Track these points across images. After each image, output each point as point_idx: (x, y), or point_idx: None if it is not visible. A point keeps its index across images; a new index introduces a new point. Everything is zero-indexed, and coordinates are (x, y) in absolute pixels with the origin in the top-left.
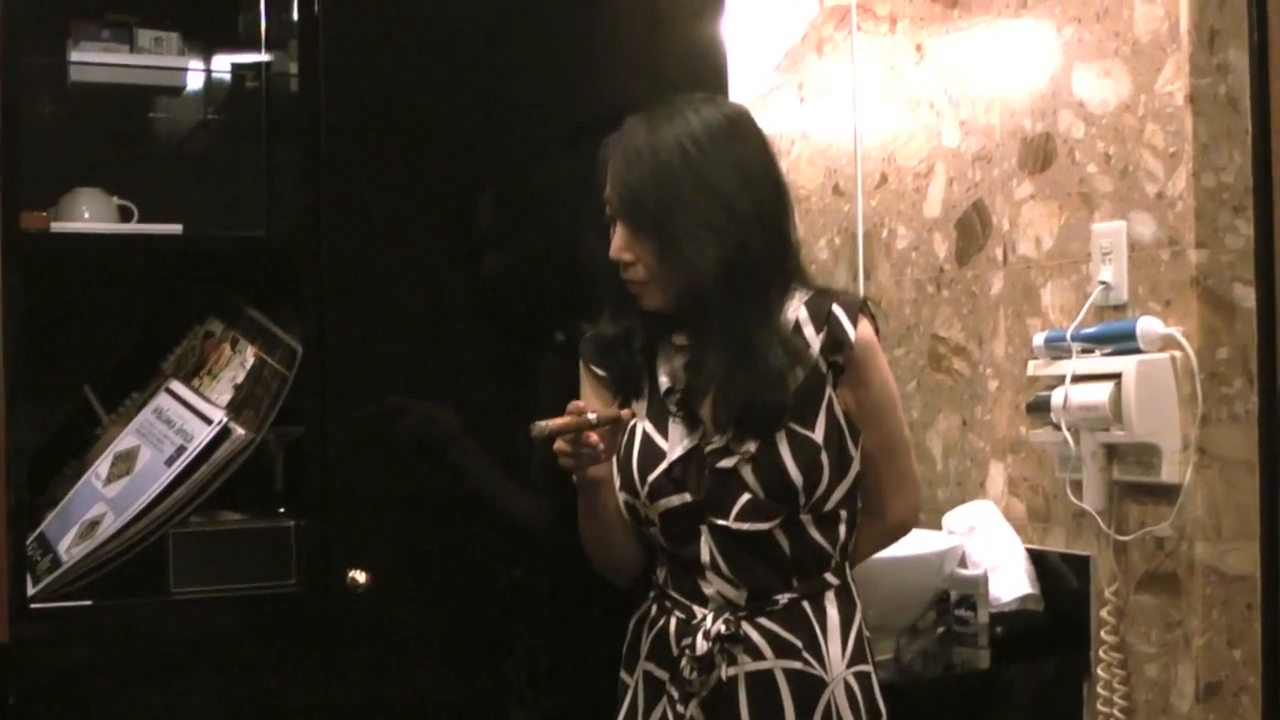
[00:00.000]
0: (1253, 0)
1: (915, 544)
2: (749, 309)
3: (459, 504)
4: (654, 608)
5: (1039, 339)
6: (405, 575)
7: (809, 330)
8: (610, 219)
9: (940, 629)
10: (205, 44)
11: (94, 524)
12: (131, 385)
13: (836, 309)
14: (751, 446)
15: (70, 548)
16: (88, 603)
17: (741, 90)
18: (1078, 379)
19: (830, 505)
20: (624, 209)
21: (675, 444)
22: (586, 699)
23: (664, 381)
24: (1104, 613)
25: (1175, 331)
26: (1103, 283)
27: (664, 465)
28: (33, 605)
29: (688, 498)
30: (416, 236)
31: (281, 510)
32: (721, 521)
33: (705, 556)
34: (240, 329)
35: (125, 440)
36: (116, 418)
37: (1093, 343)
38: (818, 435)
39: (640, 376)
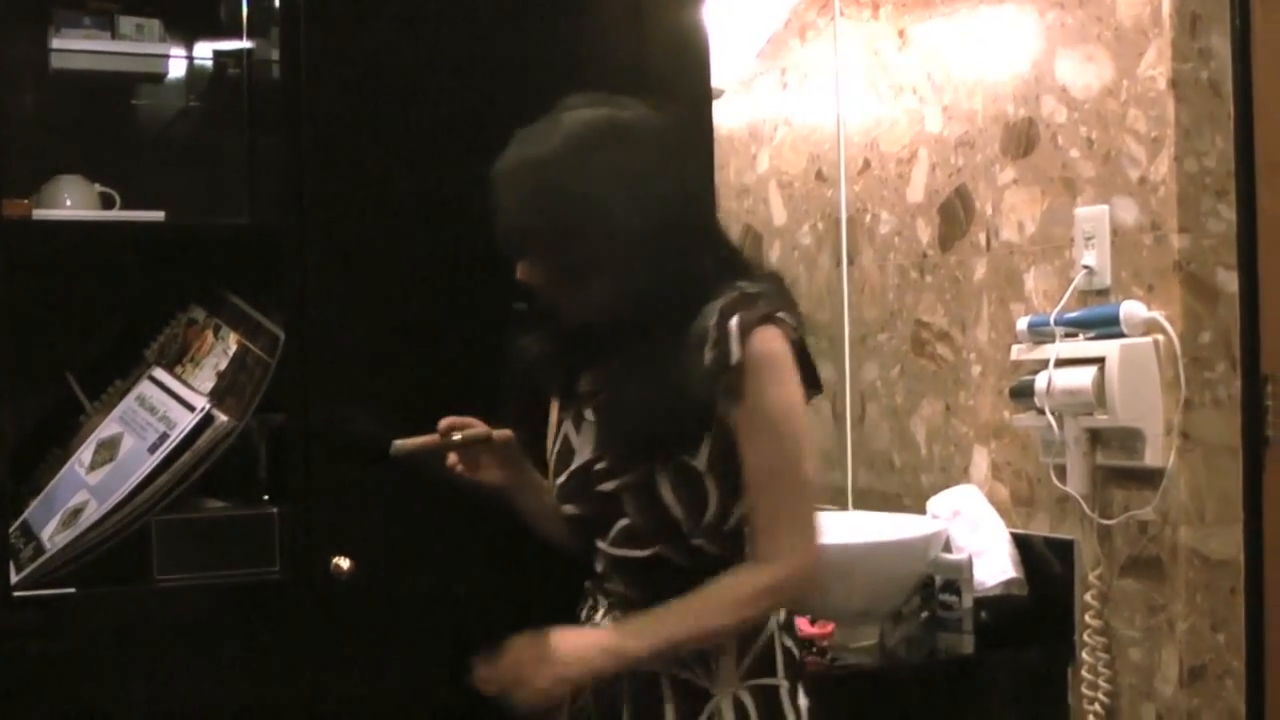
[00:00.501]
0: None
1: (899, 529)
2: (642, 338)
3: (443, 490)
4: (587, 586)
5: (1022, 324)
6: (389, 562)
7: (708, 346)
8: None
9: (924, 614)
10: (187, 31)
11: (77, 511)
12: (114, 373)
13: (732, 324)
14: (630, 477)
15: (53, 535)
16: (71, 590)
17: (724, 77)
18: (1061, 363)
19: (732, 523)
20: (504, 243)
21: (580, 453)
22: None
23: (584, 384)
24: (1088, 597)
25: (1158, 316)
26: (1085, 267)
27: (566, 474)
28: (16, 593)
29: (577, 511)
30: (399, 223)
31: (265, 497)
32: (600, 544)
33: (599, 566)
34: (223, 316)
35: (108, 428)
36: (99, 405)
37: (1076, 327)
38: (700, 462)
39: (560, 375)
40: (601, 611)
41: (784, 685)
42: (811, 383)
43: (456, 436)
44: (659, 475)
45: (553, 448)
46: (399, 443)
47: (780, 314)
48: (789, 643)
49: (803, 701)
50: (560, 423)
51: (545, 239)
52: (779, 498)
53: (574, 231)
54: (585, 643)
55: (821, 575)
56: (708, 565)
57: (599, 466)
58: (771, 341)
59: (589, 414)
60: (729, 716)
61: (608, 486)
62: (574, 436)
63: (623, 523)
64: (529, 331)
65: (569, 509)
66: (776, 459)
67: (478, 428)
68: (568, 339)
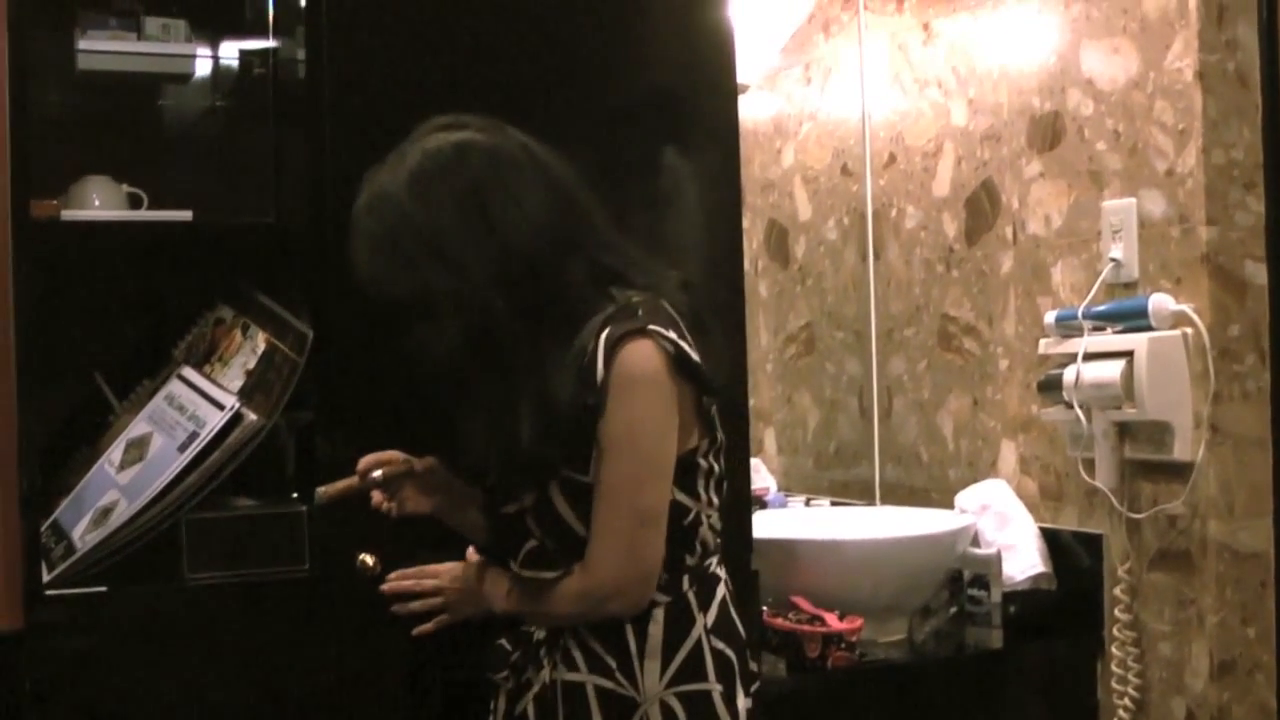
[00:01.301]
0: None
1: (927, 524)
2: (504, 372)
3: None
4: None
5: (1050, 317)
6: (416, 559)
7: (585, 361)
8: None
9: (953, 609)
10: (212, 31)
11: (107, 511)
12: (143, 372)
13: (601, 339)
14: (529, 498)
15: (84, 534)
16: (102, 589)
17: (749, 72)
18: (1089, 357)
19: None
20: (361, 284)
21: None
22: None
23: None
24: (1117, 591)
25: (1187, 308)
26: (1113, 260)
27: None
28: (47, 592)
29: (490, 535)
30: None
31: (294, 495)
32: (512, 565)
33: None
34: (251, 315)
35: (137, 427)
36: (128, 405)
37: (1104, 320)
38: (591, 477)
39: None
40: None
41: (717, 689)
42: (707, 389)
43: (377, 474)
44: (554, 494)
45: None
46: (321, 490)
47: (653, 326)
48: (720, 645)
49: (742, 703)
50: None
51: (393, 277)
52: (610, 512)
53: (422, 264)
54: (476, 584)
55: (636, 593)
56: None
57: (499, 491)
58: (637, 356)
59: None
60: None
61: (510, 509)
62: (421, 461)
63: (530, 544)
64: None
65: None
66: (615, 476)
67: (397, 463)
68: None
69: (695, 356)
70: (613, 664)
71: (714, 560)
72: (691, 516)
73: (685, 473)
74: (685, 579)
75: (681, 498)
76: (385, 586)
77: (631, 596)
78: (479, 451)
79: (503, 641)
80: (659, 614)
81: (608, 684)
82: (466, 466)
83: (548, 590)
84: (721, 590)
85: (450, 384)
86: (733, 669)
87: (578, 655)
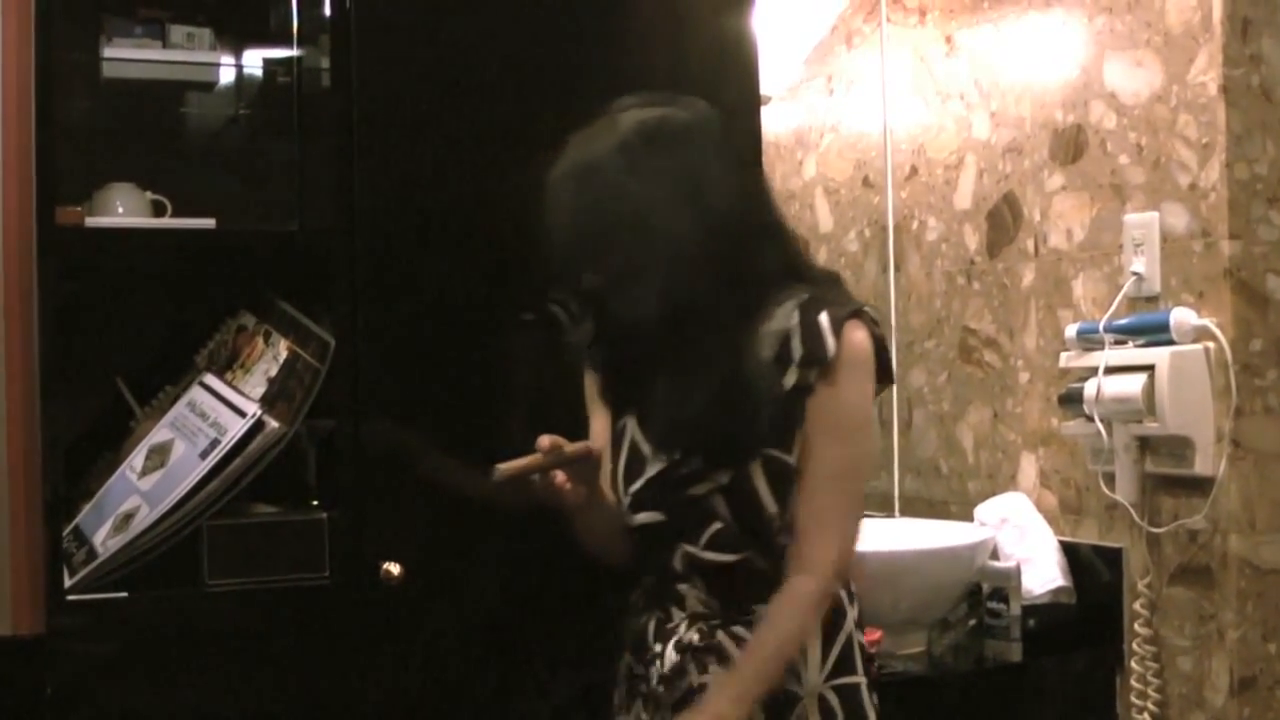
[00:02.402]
0: None
1: (947, 536)
2: (706, 340)
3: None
4: (641, 598)
5: (1071, 330)
6: (438, 568)
7: (795, 341)
8: None
9: (972, 622)
10: (237, 39)
11: (129, 516)
12: (165, 379)
13: (822, 319)
14: (725, 477)
15: (106, 540)
16: (123, 595)
17: (771, 83)
18: (1110, 371)
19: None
20: (561, 251)
21: (655, 458)
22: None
23: (657, 390)
24: (1137, 605)
25: (1209, 323)
26: (1135, 274)
27: (642, 481)
28: (69, 597)
29: (659, 517)
30: (448, 230)
31: (315, 503)
32: (690, 548)
33: (680, 569)
34: (273, 322)
35: (159, 433)
36: (150, 411)
37: (1125, 334)
38: (794, 458)
39: (624, 383)
40: (682, 623)
41: (863, 682)
42: (886, 376)
43: (569, 449)
44: (754, 473)
45: (619, 456)
46: (501, 466)
47: (865, 308)
48: (860, 639)
49: (874, 698)
50: (622, 431)
51: (602, 245)
52: (831, 499)
53: (630, 235)
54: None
55: (840, 585)
56: (784, 567)
57: (686, 470)
58: (860, 338)
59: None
60: (815, 718)
61: (699, 490)
62: (643, 443)
63: (715, 527)
64: (581, 340)
65: (645, 517)
66: (839, 461)
67: (576, 444)
68: (631, 344)
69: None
70: None
71: None
72: None
73: None
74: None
75: None
76: None
77: (837, 588)
78: (684, 425)
79: (630, 661)
80: None
81: None
82: (662, 440)
83: (782, 633)
84: (853, 584)
85: (648, 356)
86: (869, 663)
87: (735, 653)
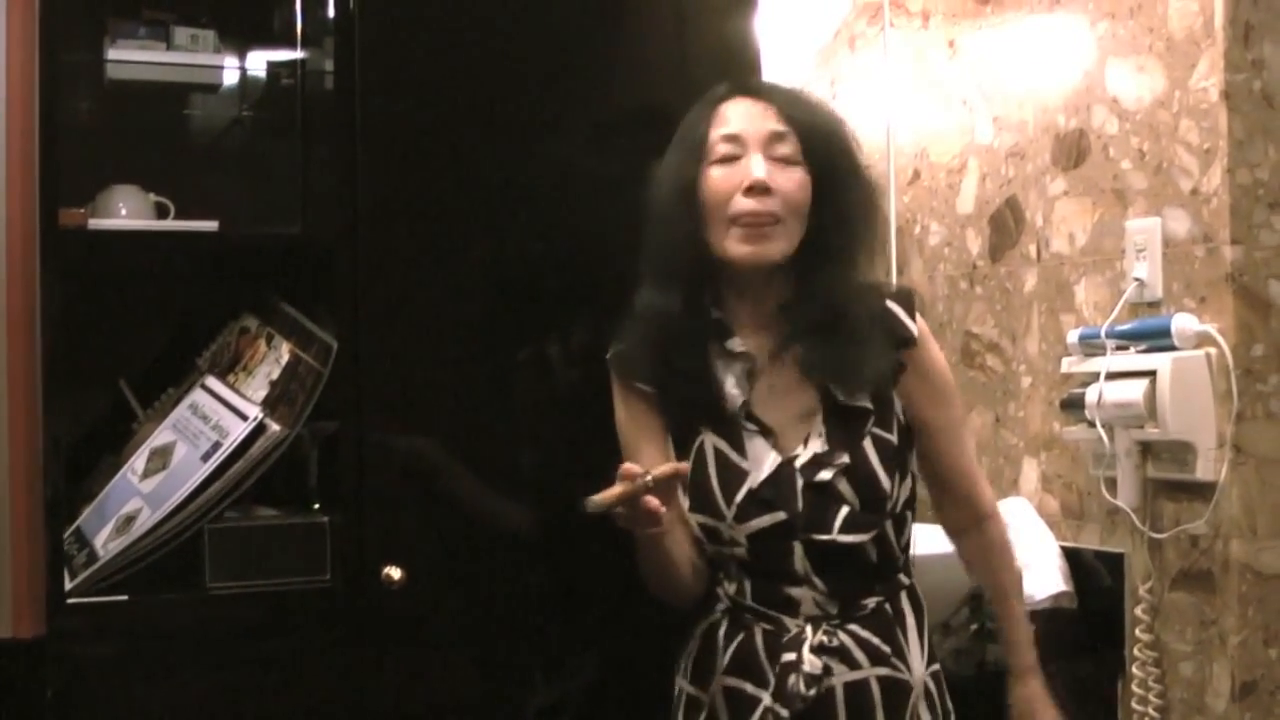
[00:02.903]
0: None
1: (949, 541)
2: (860, 269)
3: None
4: (727, 621)
5: (1073, 335)
6: (439, 571)
7: (878, 326)
8: (725, 157)
9: (973, 626)
10: (241, 41)
11: (130, 519)
12: (167, 381)
13: (892, 305)
14: (845, 458)
15: (107, 542)
16: (124, 597)
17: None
18: (1112, 376)
19: (900, 508)
20: (802, 132)
21: (758, 461)
22: (598, 691)
23: (735, 394)
24: (1138, 611)
25: (1210, 328)
26: (1137, 279)
27: (749, 485)
28: (69, 600)
29: (781, 516)
30: (452, 233)
31: (316, 506)
32: (823, 537)
33: (799, 570)
34: (275, 325)
35: (161, 436)
36: (152, 413)
37: (1127, 339)
38: (895, 438)
39: (703, 386)
40: (806, 628)
41: (941, 671)
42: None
43: (648, 478)
44: (869, 452)
45: (707, 473)
46: (593, 499)
47: (907, 289)
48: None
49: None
50: (700, 448)
51: (841, 150)
52: (969, 451)
53: (855, 156)
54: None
55: None
56: (890, 559)
57: (802, 460)
58: (921, 319)
59: (747, 422)
60: (922, 705)
61: (825, 476)
62: (733, 453)
63: (845, 511)
64: (644, 359)
65: (763, 520)
66: (958, 416)
67: (662, 466)
68: (704, 344)
69: None
70: (888, 650)
71: None
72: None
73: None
74: (911, 564)
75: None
76: None
77: None
78: (817, 355)
79: (736, 683)
80: (905, 596)
81: (886, 671)
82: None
83: (1013, 573)
84: None
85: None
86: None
87: (857, 651)
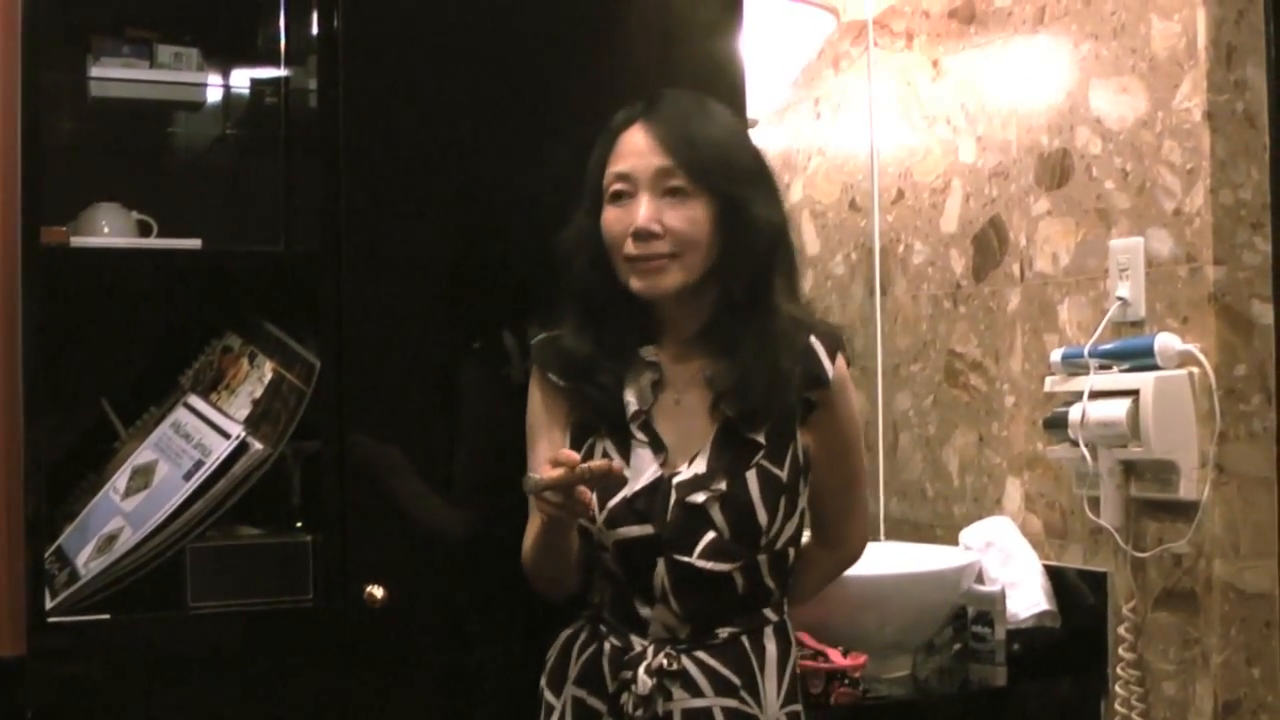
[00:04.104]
0: (1270, 16)
1: (932, 560)
2: (779, 295)
3: (474, 518)
4: (586, 630)
5: (1056, 355)
6: (422, 591)
7: (795, 356)
8: (618, 194)
9: (957, 645)
10: (224, 59)
11: (112, 538)
12: (149, 399)
13: (814, 342)
14: (723, 485)
15: (88, 561)
16: (105, 616)
17: (759, 106)
18: (1095, 395)
19: (781, 544)
20: (689, 166)
21: (639, 472)
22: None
23: (630, 402)
24: (1121, 630)
25: (1193, 348)
26: (1120, 299)
27: (625, 493)
28: (50, 619)
29: (649, 530)
30: (435, 250)
31: (299, 525)
32: (683, 558)
33: (657, 588)
34: (258, 344)
35: (143, 454)
36: (134, 432)
37: (1110, 359)
38: (784, 474)
39: (607, 390)
40: (648, 649)
41: (802, 713)
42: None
43: (585, 467)
44: (749, 482)
45: None
46: (534, 477)
47: (843, 338)
48: (798, 670)
49: None
50: (591, 450)
51: (737, 169)
52: (859, 494)
53: (757, 170)
54: None
55: None
56: (759, 593)
57: (681, 478)
58: (844, 361)
59: (638, 432)
60: None
61: (697, 499)
62: (617, 460)
63: (710, 536)
64: (565, 357)
65: (629, 531)
66: (859, 462)
67: (597, 461)
68: (618, 355)
69: None
70: (738, 682)
71: None
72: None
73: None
74: (785, 600)
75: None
76: None
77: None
78: (738, 384)
79: (581, 694)
80: (770, 631)
81: (733, 704)
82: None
83: (811, 578)
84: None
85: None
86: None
87: (700, 679)
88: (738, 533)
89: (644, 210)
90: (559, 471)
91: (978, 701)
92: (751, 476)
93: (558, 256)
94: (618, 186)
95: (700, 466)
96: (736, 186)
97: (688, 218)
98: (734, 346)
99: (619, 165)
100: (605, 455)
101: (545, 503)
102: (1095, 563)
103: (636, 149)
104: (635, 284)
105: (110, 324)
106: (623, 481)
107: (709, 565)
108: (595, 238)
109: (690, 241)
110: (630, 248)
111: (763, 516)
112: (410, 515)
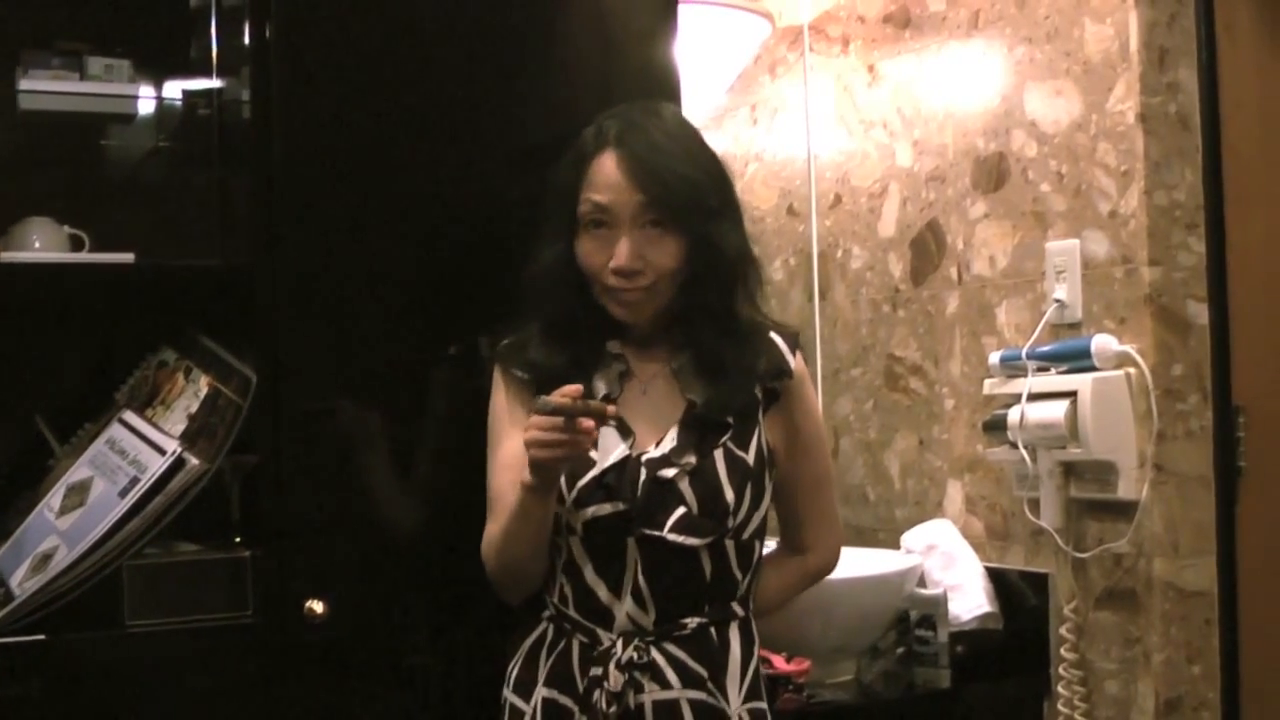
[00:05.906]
0: (1201, 19)
1: (875, 564)
2: (740, 304)
3: (416, 533)
4: (551, 630)
5: (994, 358)
6: (363, 605)
7: (759, 350)
8: (596, 223)
9: (900, 649)
10: (156, 71)
11: (47, 557)
12: (84, 416)
13: (775, 336)
14: (692, 459)
15: (23, 581)
16: (41, 637)
17: (695, 111)
18: (1034, 397)
19: (748, 534)
20: (666, 205)
21: (607, 452)
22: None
23: (599, 387)
24: (1063, 630)
25: (1130, 349)
26: (1057, 301)
27: (594, 472)
28: None
29: (620, 506)
30: (372, 262)
31: (238, 540)
32: (654, 532)
33: (627, 570)
34: (194, 358)
35: (78, 472)
36: (69, 449)
37: (1048, 361)
38: (750, 458)
39: (575, 380)
40: (616, 643)
41: (768, 710)
42: None
43: (588, 403)
44: (717, 461)
45: None
46: (545, 399)
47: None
48: (763, 670)
49: None
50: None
51: (706, 199)
52: (827, 497)
53: (722, 192)
54: None
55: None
56: (725, 581)
57: (650, 456)
58: (801, 359)
59: (610, 421)
60: None
61: (667, 473)
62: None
63: (680, 510)
64: (526, 352)
65: (599, 509)
66: (824, 465)
67: (598, 401)
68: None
69: None
70: (705, 674)
71: None
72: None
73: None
74: (750, 598)
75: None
76: None
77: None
78: (711, 387)
79: (552, 694)
80: (735, 626)
81: (700, 695)
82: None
83: (775, 581)
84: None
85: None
86: (770, 693)
87: (669, 671)
88: (706, 509)
89: (627, 249)
90: (575, 387)
91: (923, 704)
92: (719, 455)
93: (533, 280)
94: (596, 217)
95: (669, 445)
96: (711, 223)
97: (668, 253)
98: (698, 339)
99: (597, 196)
100: None
101: (547, 444)
102: (1036, 564)
103: (613, 183)
104: (617, 312)
105: (43, 339)
106: (590, 463)
107: (680, 539)
108: (570, 260)
109: (668, 272)
110: (611, 280)
111: (729, 495)
112: (373, 492)
